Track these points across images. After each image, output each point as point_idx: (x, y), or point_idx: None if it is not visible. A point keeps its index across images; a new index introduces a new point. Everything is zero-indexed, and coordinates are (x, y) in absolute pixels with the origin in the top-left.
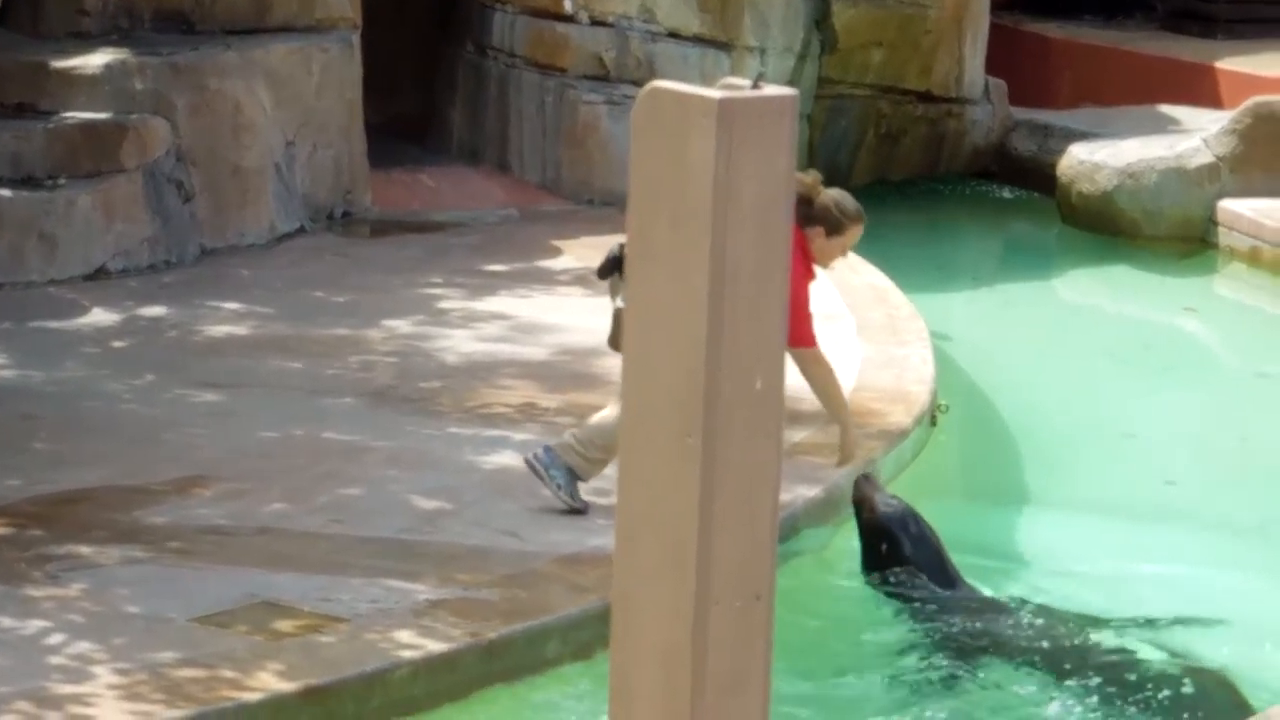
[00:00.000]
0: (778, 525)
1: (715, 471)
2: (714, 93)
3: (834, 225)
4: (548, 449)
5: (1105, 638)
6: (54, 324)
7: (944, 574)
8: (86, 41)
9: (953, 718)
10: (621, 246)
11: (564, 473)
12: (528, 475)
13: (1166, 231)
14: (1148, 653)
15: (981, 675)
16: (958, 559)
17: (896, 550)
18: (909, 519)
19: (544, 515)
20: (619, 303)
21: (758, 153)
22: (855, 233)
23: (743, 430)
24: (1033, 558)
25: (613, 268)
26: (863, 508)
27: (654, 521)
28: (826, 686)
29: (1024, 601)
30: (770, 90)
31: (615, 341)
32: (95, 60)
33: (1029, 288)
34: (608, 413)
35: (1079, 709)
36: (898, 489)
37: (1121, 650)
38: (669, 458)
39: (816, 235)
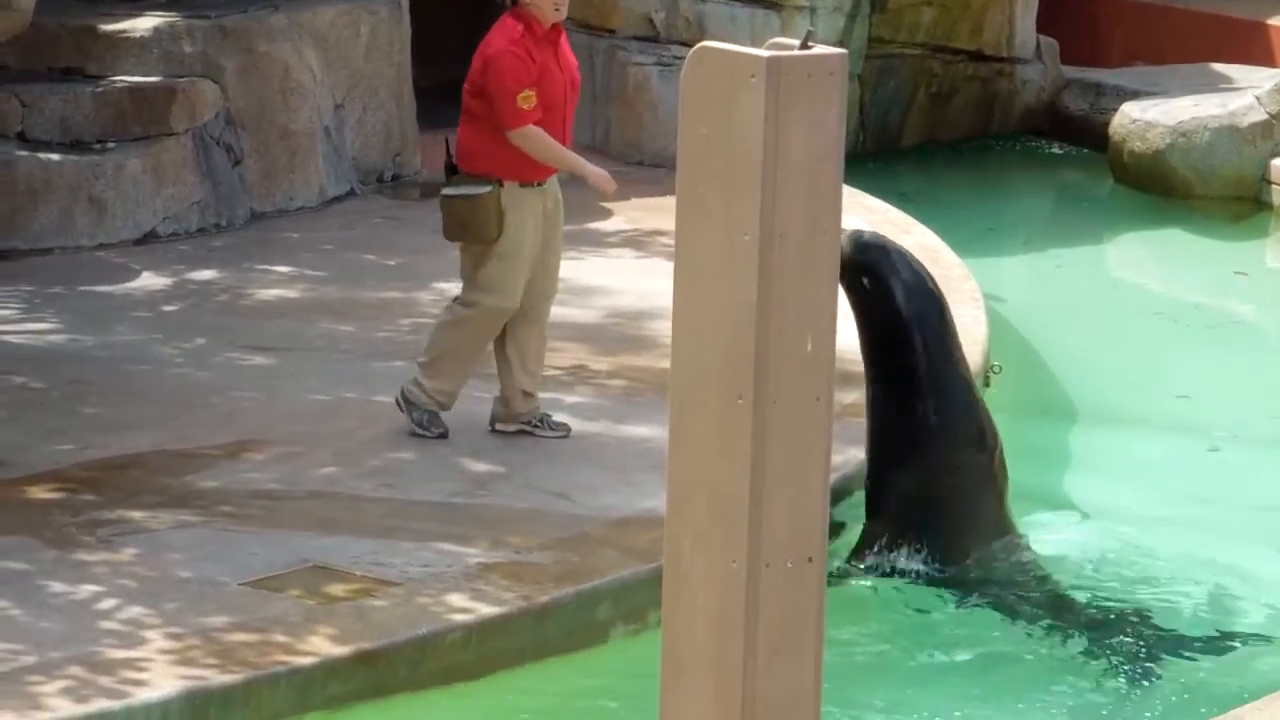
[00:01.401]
0: (829, 487)
1: (766, 433)
2: (762, 52)
3: None
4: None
5: (1137, 603)
6: (104, 288)
7: (944, 353)
8: (134, 4)
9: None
10: (446, 141)
11: (416, 408)
12: (580, 437)
13: (1219, 191)
14: (1175, 618)
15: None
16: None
17: (884, 296)
18: (895, 255)
19: (595, 478)
20: (444, 190)
21: (807, 112)
22: None
23: (793, 392)
24: (1082, 518)
25: (449, 169)
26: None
27: (705, 484)
28: (878, 653)
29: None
30: (819, 49)
31: (446, 231)
32: (143, 23)
33: (1081, 248)
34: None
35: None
36: None
37: (1143, 618)
38: (719, 419)
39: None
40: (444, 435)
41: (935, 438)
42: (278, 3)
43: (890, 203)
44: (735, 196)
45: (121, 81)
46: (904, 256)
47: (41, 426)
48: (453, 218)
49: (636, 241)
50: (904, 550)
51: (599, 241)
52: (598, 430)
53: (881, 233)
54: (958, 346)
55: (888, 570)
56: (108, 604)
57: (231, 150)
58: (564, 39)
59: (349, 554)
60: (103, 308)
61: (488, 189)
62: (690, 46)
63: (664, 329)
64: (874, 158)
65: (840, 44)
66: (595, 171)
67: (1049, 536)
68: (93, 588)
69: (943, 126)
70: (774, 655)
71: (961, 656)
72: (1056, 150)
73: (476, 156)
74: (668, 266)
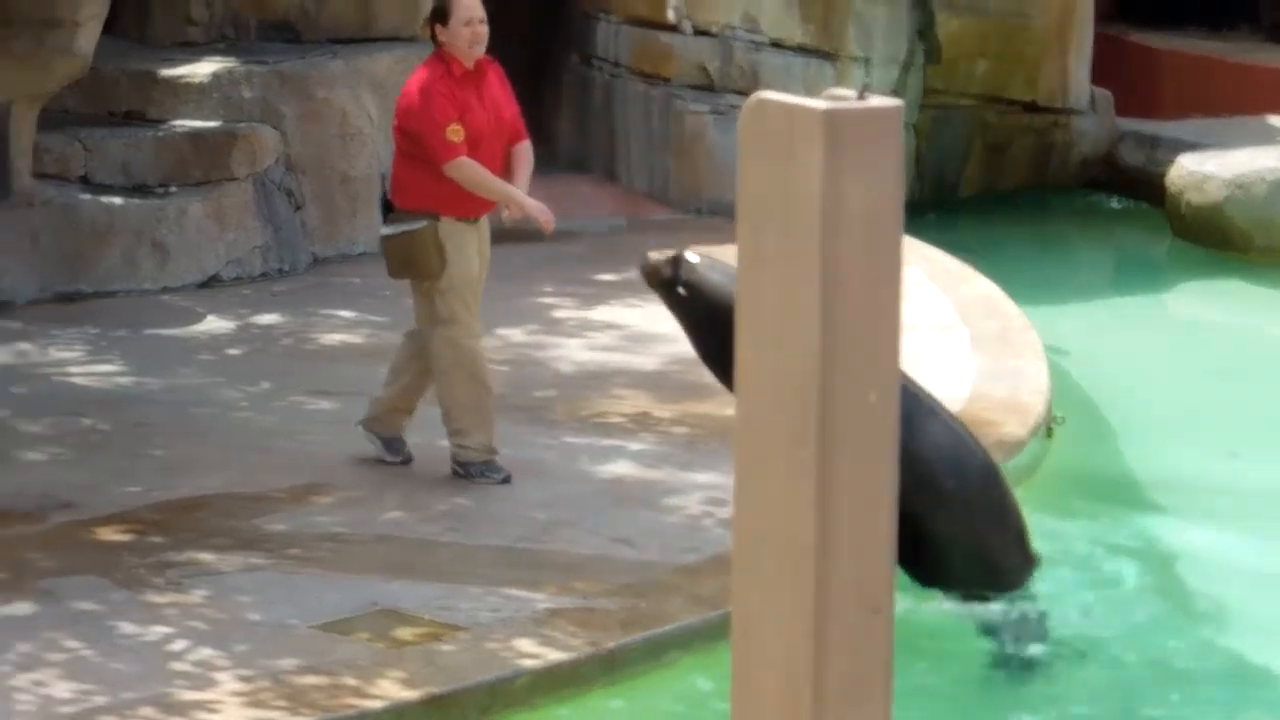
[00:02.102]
0: (895, 538)
1: (831, 484)
2: (820, 104)
3: (439, 13)
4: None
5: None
6: (169, 331)
7: None
8: (194, 50)
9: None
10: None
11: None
12: (645, 484)
13: (1278, 243)
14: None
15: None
16: (1072, 570)
17: (702, 297)
18: (703, 262)
19: (661, 525)
20: (382, 230)
21: (865, 164)
22: (460, 7)
23: (858, 443)
24: (1145, 569)
25: (383, 208)
26: (674, 285)
27: (771, 534)
28: (951, 702)
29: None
30: (876, 101)
31: (389, 270)
32: (203, 69)
33: (1140, 300)
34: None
35: None
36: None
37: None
38: (784, 470)
39: (439, 35)
40: (507, 480)
41: None
42: (335, 49)
43: (949, 252)
44: (795, 247)
45: (182, 127)
46: (711, 262)
47: (109, 468)
48: (394, 256)
49: None
50: None
51: None
52: (662, 477)
53: (710, 253)
54: None
55: None
56: (178, 645)
57: (292, 195)
58: (493, 78)
59: (417, 598)
60: (167, 351)
61: (424, 224)
62: (745, 95)
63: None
64: (932, 208)
65: (895, 94)
66: (532, 204)
67: (1107, 590)
68: (163, 629)
69: (1000, 177)
70: (844, 705)
71: (1027, 701)
72: (1115, 204)
73: (411, 192)
74: None
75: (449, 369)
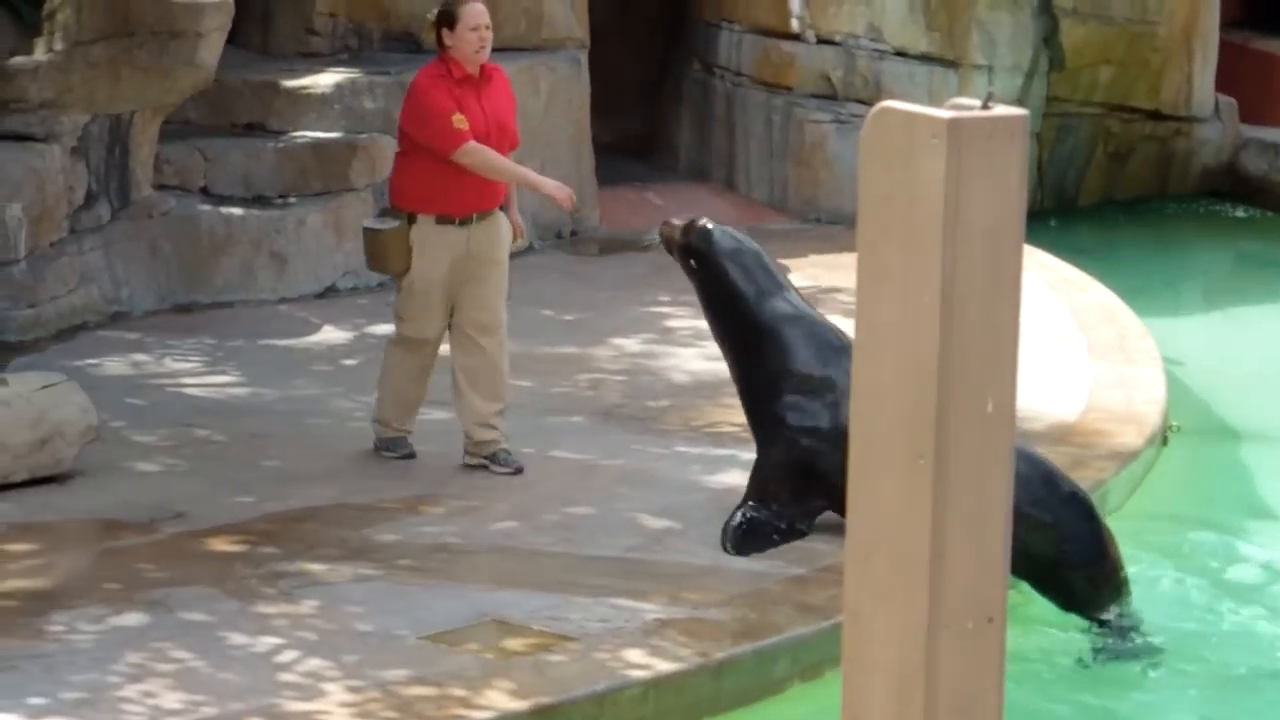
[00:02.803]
0: (1010, 548)
1: (947, 494)
2: (944, 113)
3: (447, 19)
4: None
5: None
6: (285, 342)
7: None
8: (316, 61)
9: None
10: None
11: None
12: None
13: None
14: None
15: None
16: (1190, 579)
17: (711, 266)
18: (717, 232)
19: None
20: (365, 222)
21: (988, 173)
22: (467, 14)
23: (974, 452)
24: (1262, 577)
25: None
26: (687, 253)
27: (885, 543)
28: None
29: None
30: (1000, 110)
31: (366, 262)
32: (324, 80)
33: (1260, 310)
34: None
35: None
36: (1130, 508)
37: None
38: (900, 479)
39: (445, 40)
40: (409, 456)
41: (780, 375)
42: None
43: (1067, 261)
44: (916, 257)
45: (303, 137)
46: (725, 231)
47: (222, 479)
48: (367, 249)
49: (814, 299)
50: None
51: None
52: None
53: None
54: (782, 284)
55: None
56: (288, 656)
57: None
58: (496, 84)
59: (527, 608)
60: (283, 361)
61: (396, 225)
62: (867, 104)
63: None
64: (1052, 215)
65: (1018, 103)
66: (549, 183)
67: (1227, 595)
68: (273, 640)
69: (1120, 185)
70: (954, 716)
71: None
72: (1237, 213)
73: (399, 191)
74: (845, 324)
75: (387, 352)
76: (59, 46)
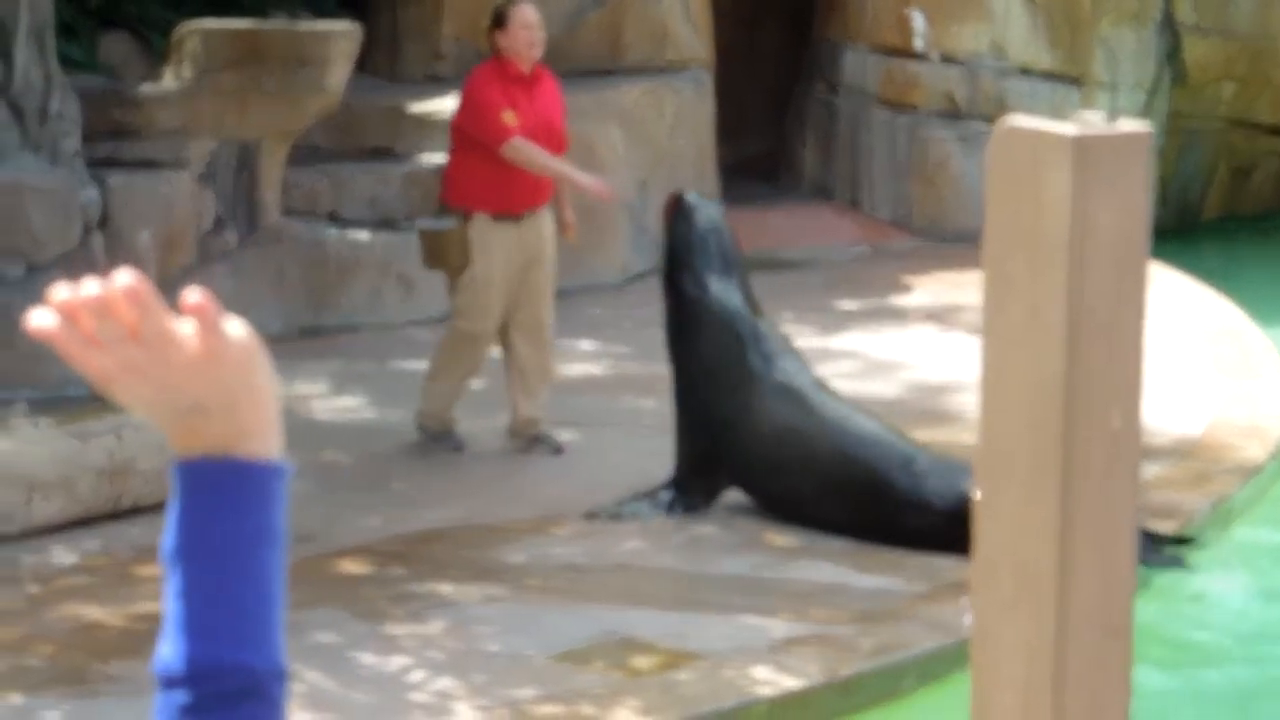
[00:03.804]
0: (1136, 562)
1: (1073, 509)
2: (1069, 129)
3: (499, 20)
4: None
5: None
6: (412, 365)
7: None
8: (442, 84)
9: None
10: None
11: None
12: None
13: None
14: None
15: None
16: None
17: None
18: (700, 208)
19: (897, 551)
20: (420, 223)
21: (1114, 189)
22: (518, 13)
23: (1100, 468)
24: None
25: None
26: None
27: (1012, 556)
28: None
29: None
30: (1125, 125)
31: (422, 260)
32: (449, 104)
33: None
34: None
35: None
36: (1252, 519)
37: None
38: (1026, 495)
39: (499, 41)
40: (459, 448)
41: (711, 348)
42: (583, 82)
43: (1191, 276)
44: (1042, 272)
45: (429, 161)
46: (702, 210)
47: (350, 502)
48: (424, 248)
49: (938, 316)
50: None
51: (900, 316)
52: None
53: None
54: (734, 272)
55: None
56: (417, 676)
57: None
58: (546, 86)
59: (654, 627)
60: (410, 384)
61: (452, 223)
62: (991, 122)
63: (965, 402)
64: (1175, 232)
65: (1141, 119)
66: (588, 180)
67: None
68: (402, 660)
69: (1244, 201)
70: None
71: None
72: None
73: (452, 189)
74: (970, 341)
75: (442, 346)
76: (187, 74)
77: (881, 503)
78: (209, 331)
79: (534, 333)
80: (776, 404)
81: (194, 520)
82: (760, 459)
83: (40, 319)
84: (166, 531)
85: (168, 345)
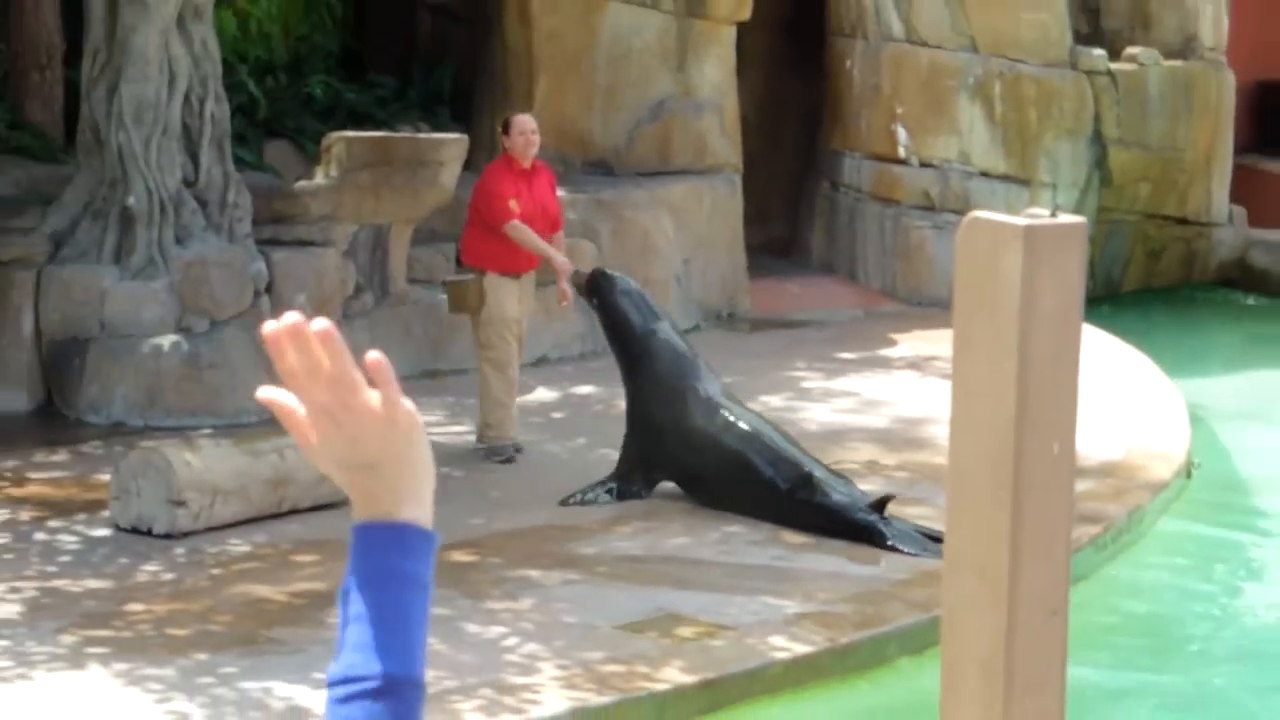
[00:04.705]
0: (1070, 556)
1: (1022, 516)
2: (1021, 220)
3: (505, 126)
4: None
5: None
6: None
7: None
8: None
9: None
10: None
11: (493, 450)
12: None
13: None
14: None
15: None
16: (1210, 581)
17: (608, 304)
18: (614, 279)
19: (881, 552)
20: (446, 277)
21: (1055, 267)
22: (517, 122)
23: (1043, 484)
24: (1252, 579)
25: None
26: (591, 297)
27: (974, 555)
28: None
29: None
30: (1065, 218)
31: (448, 306)
32: None
33: (1267, 373)
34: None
35: None
36: (1160, 529)
37: None
38: (986, 506)
39: (504, 143)
40: (509, 460)
41: (653, 376)
42: (640, 181)
43: (1114, 335)
44: (998, 333)
45: None
46: (618, 279)
47: (461, 507)
48: (449, 296)
49: (917, 364)
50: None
51: (887, 364)
52: (887, 511)
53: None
54: (659, 317)
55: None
56: (510, 642)
57: None
58: (543, 178)
59: (695, 604)
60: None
61: (472, 277)
62: (958, 214)
63: (938, 432)
64: (1103, 301)
65: (1076, 212)
66: (558, 257)
67: (1243, 619)
68: (499, 629)
69: (1155, 277)
70: (1029, 692)
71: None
72: (1249, 300)
73: (470, 253)
74: (942, 384)
75: (482, 379)
76: (333, 173)
77: (753, 485)
78: (388, 393)
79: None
80: (700, 416)
81: (362, 567)
82: (685, 457)
83: (269, 328)
84: (345, 575)
85: (352, 392)
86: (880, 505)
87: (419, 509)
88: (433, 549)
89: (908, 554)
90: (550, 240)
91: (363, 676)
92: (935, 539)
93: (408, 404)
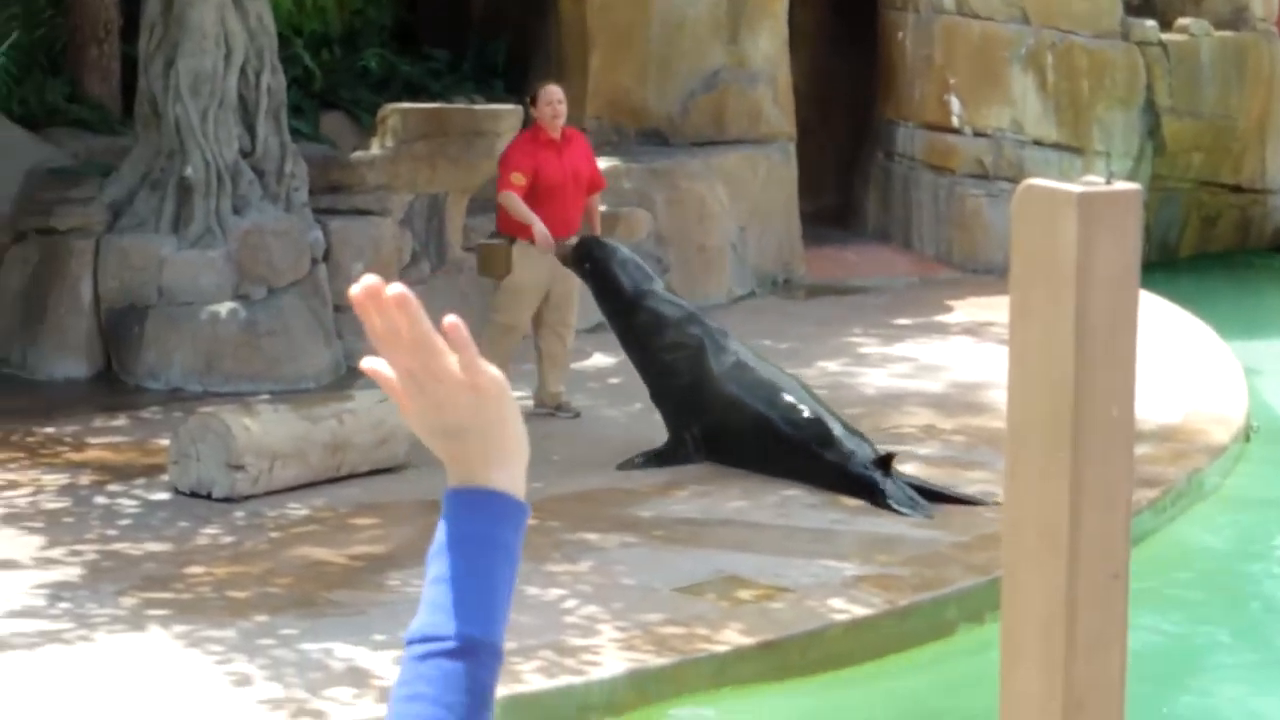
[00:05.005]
0: (1130, 518)
1: (1081, 479)
2: (1075, 187)
3: (533, 98)
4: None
5: None
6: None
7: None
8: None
9: None
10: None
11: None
12: (930, 480)
13: None
14: None
15: None
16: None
17: (600, 269)
18: (610, 245)
19: (942, 510)
20: (479, 240)
21: (1110, 235)
22: (544, 93)
23: (1102, 448)
24: None
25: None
26: (581, 263)
27: (1034, 517)
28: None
29: None
30: (1119, 185)
31: (477, 268)
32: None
33: None
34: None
35: None
36: (1221, 491)
37: None
38: (1045, 469)
39: (533, 113)
40: None
41: (652, 334)
42: (695, 151)
43: (1170, 300)
44: (1055, 300)
45: None
46: (609, 242)
47: None
48: (479, 259)
49: (973, 330)
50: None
51: (943, 330)
52: (943, 475)
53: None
54: (652, 279)
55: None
56: (570, 604)
57: (660, 261)
58: (576, 145)
59: (754, 567)
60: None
61: (502, 242)
62: (1011, 182)
63: (996, 397)
64: (1158, 267)
65: (1130, 180)
66: (540, 230)
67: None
68: (559, 591)
69: (1210, 243)
70: (1089, 652)
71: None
72: None
73: (503, 221)
74: (998, 349)
75: (484, 335)
76: (389, 144)
77: (762, 439)
78: (467, 357)
79: (558, 330)
80: (723, 368)
81: (451, 531)
82: (712, 409)
83: (354, 290)
84: (434, 539)
85: (433, 356)
86: (884, 463)
87: (510, 478)
88: (523, 519)
89: (903, 514)
90: (584, 204)
91: (441, 636)
92: (932, 495)
93: (492, 369)
